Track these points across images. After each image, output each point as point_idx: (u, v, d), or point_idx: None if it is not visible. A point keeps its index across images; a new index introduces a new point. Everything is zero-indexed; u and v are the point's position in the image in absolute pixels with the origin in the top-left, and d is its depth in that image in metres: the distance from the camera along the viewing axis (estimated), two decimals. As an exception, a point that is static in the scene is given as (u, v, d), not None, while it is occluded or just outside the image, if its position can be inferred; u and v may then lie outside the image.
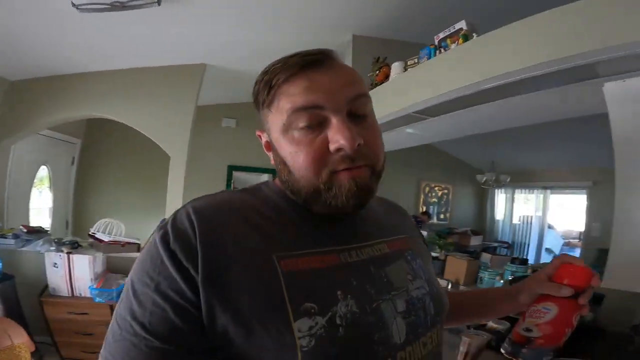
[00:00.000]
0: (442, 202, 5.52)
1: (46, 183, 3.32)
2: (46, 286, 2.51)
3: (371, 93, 1.97)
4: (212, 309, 0.38)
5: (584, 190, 4.56)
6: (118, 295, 2.31)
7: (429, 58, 1.93)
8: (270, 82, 0.45)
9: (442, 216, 5.51)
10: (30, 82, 2.83)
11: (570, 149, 4.31)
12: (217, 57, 2.79)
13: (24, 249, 2.53)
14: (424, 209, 5.06)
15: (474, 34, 1.66)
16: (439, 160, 5.30)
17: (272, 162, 0.51)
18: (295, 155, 0.44)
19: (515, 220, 5.41)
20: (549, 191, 5.07)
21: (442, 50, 1.86)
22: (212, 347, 0.39)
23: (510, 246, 5.19)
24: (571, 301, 0.51)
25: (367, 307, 0.43)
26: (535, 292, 0.56)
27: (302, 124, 0.43)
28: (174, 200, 2.85)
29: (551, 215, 5.08)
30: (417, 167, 4.98)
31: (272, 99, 0.45)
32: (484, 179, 4.92)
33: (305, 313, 0.39)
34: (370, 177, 0.46)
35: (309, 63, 0.44)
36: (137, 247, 2.73)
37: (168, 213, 2.75)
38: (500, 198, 5.62)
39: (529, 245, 5.14)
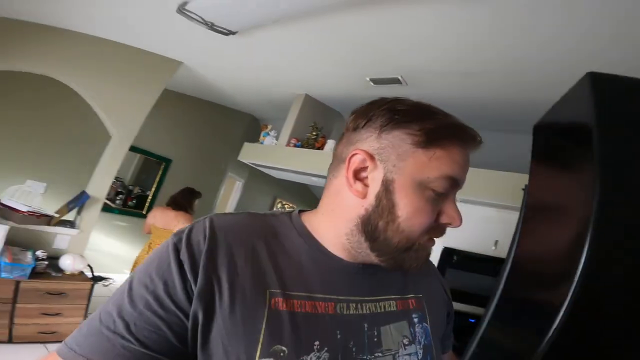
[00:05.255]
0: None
1: None
2: None
3: (312, 152, 3.08)
4: (195, 323, 0.40)
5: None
6: (31, 272, 2.19)
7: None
8: (437, 133, 0.43)
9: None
10: (6, 21, 2.17)
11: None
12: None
13: None
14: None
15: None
16: (294, 186, 6.83)
17: (357, 193, 0.45)
18: (415, 212, 0.43)
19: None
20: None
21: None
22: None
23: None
24: None
25: None
26: None
27: (439, 190, 0.43)
28: (103, 178, 2.78)
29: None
30: (276, 187, 6.23)
31: (431, 148, 0.43)
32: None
33: (272, 354, 0.39)
34: None
35: (470, 140, 0.45)
36: (48, 221, 2.47)
37: (88, 188, 2.68)
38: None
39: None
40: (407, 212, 0.43)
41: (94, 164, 2.89)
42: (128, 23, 2.32)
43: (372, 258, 0.47)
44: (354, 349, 0.43)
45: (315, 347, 0.41)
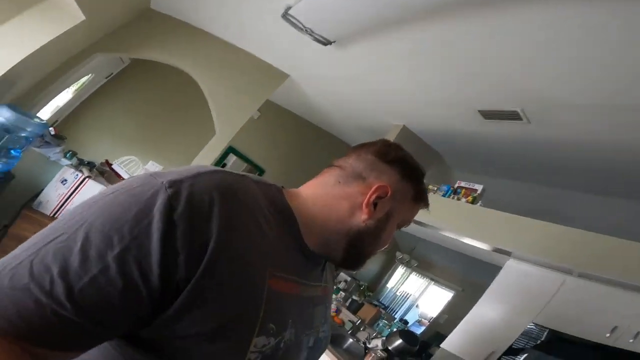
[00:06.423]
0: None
1: (75, 87, 2.96)
2: (34, 197, 2.36)
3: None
4: (195, 300, 0.34)
5: (453, 291, 6.27)
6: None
7: (444, 195, 2.68)
8: (422, 195, 0.60)
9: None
10: (161, 16, 2.83)
11: (463, 262, 5.92)
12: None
13: (37, 149, 2.35)
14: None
15: (479, 202, 2.43)
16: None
17: (367, 212, 0.53)
18: (389, 238, 0.59)
19: (398, 292, 6.90)
20: (432, 282, 6.71)
21: (455, 195, 2.61)
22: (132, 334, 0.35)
23: (385, 308, 6.58)
24: None
25: (297, 338, 0.48)
26: None
27: (400, 228, 0.61)
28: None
29: (422, 298, 6.71)
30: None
31: (415, 203, 0.60)
32: (401, 256, 6.18)
33: (266, 332, 0.40)
34: None
35: (426, 206, 0.63)
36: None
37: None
38: (398, 272, 7.07)
39: (396, 311, 6.66)
40: (387, 236, 0.59)
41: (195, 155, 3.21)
42: (246, 28, 2.54)
43: (336, 253, 0.55)
44: (302, 326, 0.51)
45: (289, 324, 0.46)
